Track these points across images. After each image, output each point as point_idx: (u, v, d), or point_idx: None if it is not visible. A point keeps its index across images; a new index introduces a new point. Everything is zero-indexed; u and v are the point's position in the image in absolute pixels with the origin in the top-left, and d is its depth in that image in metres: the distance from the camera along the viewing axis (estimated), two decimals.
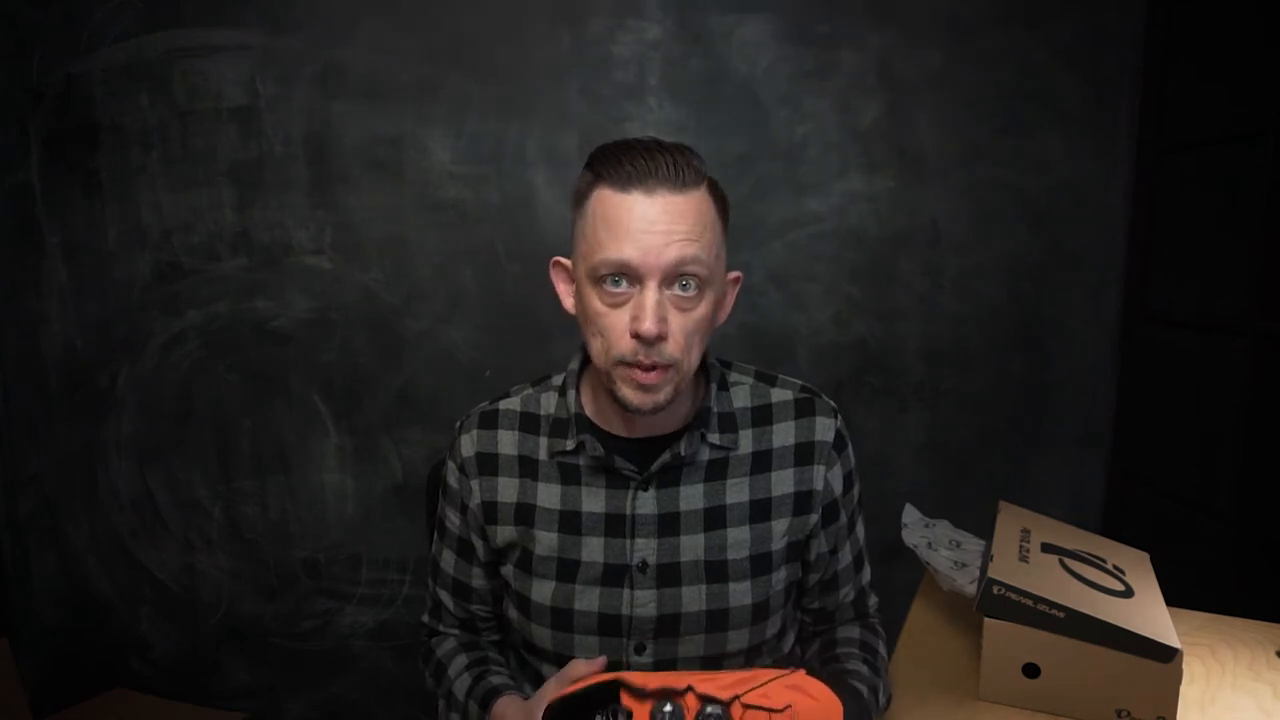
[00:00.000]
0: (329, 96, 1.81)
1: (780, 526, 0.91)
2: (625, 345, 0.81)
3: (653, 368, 0.81)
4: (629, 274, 0.80)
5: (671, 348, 0.81)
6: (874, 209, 1.77)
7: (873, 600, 1.02)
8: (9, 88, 1.87)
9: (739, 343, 1.78)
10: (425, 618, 1.04)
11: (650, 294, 0.79)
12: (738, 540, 0.90)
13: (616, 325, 0.81)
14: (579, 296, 0.86)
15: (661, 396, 0.83)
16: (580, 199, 0.84)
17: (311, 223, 1.85)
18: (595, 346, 0.84)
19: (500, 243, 1.83)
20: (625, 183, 0.79)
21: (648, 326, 0.78)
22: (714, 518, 0.90)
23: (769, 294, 1.80)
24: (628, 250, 0.78)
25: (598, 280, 0.81)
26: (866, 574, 1.01)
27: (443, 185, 1.82)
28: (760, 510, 0.91)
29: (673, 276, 0.80)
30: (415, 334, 1.87)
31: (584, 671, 0.81)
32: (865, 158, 1.76)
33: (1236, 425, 1.44)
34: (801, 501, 0.92)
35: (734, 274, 0.90)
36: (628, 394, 0.82)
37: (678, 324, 0.81)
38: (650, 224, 0.78)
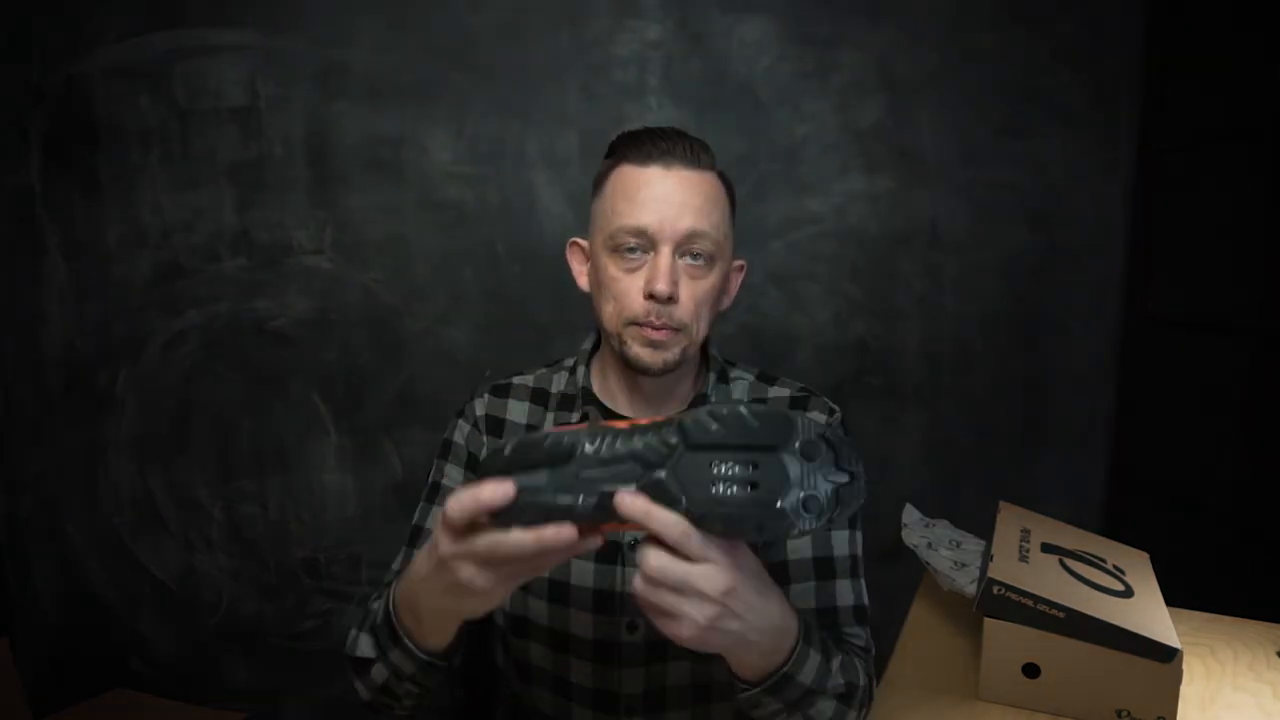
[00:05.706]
0: (329, 96, 1.80)
1: None
2: (638, 306, 0.84)
3: (663, 328, 0.84)
4: (644, 241, 0.84)
5: (681, 312, 0.84)
6: (874, 209, 1.77)
7: (853, 630, 0.87)
8: (9, 88, 1.87)
9: (739, 343, 1.78)
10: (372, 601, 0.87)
11: (664, 258, 0.83)
12: None
13: (630, 289, 0.85)
14: (594, 268, 0.90)
15: (670, 355, 0.85)
16: (601, 180, 0.90)
17: (311, 223, 1.85)
18: (607, 311, 0.87)
19: (500, 243, 1.83)
20: (645, 159, 0.85)
21: (661, 286, 0.82)
22: None
23: (769, 294, 1.80)
24: (644, 217, 0.83)
25: (615, 248, 0.85)
26: (841, 595, 0.88)
27: (443, 185, 1.82)
28: None
29: (685, 246, 0.84)
30: (415, 334, 1.87)
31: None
32: (865, 158, 1.76)
33: (1236, 425, 1.44)
34: None
35: (739, 262, 0.93)
36: (638, 352, 0.85)
37: (688, 291, 0.85)
38: (667, 195, 0.84)
